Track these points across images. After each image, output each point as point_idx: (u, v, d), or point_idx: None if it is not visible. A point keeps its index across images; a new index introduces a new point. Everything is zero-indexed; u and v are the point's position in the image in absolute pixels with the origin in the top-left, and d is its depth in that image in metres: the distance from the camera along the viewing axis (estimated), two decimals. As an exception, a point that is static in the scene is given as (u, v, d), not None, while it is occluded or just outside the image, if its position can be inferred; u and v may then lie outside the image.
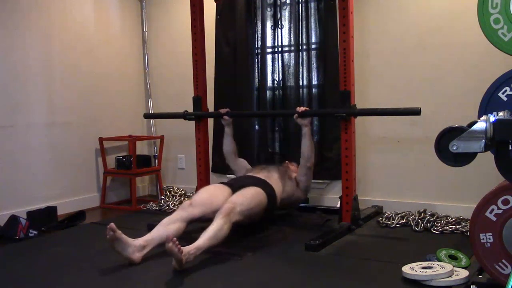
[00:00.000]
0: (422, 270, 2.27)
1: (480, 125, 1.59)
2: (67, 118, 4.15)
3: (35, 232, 3.33)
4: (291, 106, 3.92)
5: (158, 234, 2.71)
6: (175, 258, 2.40)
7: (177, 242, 2.36)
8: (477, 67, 3.32)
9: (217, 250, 2.72)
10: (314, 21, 3.89)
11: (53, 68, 4.05)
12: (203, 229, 2.67)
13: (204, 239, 2.57)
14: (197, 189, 3.54)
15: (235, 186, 3.12)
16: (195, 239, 2.57)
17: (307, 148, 3.36)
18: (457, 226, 3.14)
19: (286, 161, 3.64)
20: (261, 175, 3.30)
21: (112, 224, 2.49)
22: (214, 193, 3.04)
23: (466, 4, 3.28)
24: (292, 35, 3.97)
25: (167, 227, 2.76)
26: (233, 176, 3.71)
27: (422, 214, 3.34)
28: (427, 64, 3.54)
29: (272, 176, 3.32)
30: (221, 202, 2.86)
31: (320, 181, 3.92)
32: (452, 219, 3.25)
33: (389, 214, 3.44)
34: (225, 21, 4.23)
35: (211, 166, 4.15)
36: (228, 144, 3.71)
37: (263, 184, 3.15)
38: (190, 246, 2.49)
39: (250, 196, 2.97)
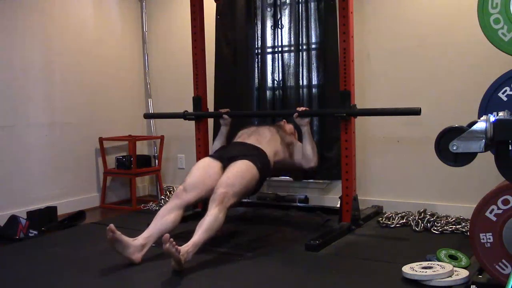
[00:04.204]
0: (422, 270, 2.27)
1: (480, 125, 1.59)
2: (67, 118, 4.15)
3: (35, 232, 3.33)
4: (291, 106, 3.91)
5: (156, 228, 2.70)
6: (174, 259, 2.40)
7: (174, 242, 2.35)
8: (477, 67, 3.32)
9: (217, 250, 2.73)
10: (314, 21, 3.88)
11: (53, 68, 4.05)
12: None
13: (200, 233, 2.55)
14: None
15: (224, 158, 3.06)
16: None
17: (309, 148, 3.34)
18: (457, 226, 3.14)
19: (284, 120, 3.58)
20: (252, 139, 3.24)
21: (112, 226, 2.49)
22: (206, 172, 2.97)
23: (466, 4, 3.28)
24: (292, 35, 3.97)
25: (164, 218, 2.74)
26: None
27: (422, 214, 3.35)
28: (427, 64, 3.54)
29: (263, 139, 3.25)
30: (215, 180, 2.84)
31: (320, 181, 3.92)
32: (452, 219, 3.26)
33: (389, 214, 3.44)
34: (225, 21, 4.22)
35: (211, 166, 4.14)
36: (219, 144, 3.62)
37: (254, 154, 3.07)
38: (187, 244, 2.47)
39: (241, 174, 2.89)
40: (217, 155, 3.16)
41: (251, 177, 2.95)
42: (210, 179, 2.89)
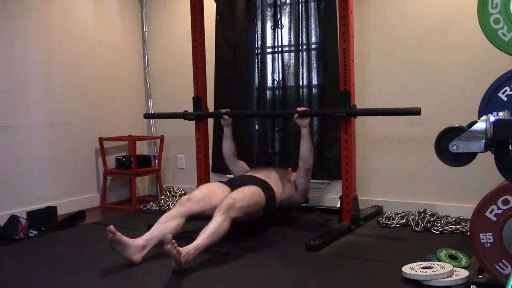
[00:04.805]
0: (422, 270, 2.27)
1: (480, 125, 1.59)
2: (67, 118, 4.15)
3: (35, 232, 3.33)
4: (291, 106, 3.91)
5: (157, 232, 2.71)
6: (174, 260, 2.41)
7: (175, 244, 2.36)
8: (477, 67, 3.32)
9: (217, 250, 2.73)
10: (314, 21, 3.89)
11: (53, 68, 4.05)
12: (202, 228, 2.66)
13: (203, 237, 2.57)
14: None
15: (233, 184, 3.12)
16: (195, 239, 2.57)
17: (306, 149, 3.35)
18: (457, 226, 3.14)
19: (290, 168, 3.62)
20: (261, 175, 3.29)
21: (111, 227, 2.49)
22: (213, 190, 3.04)
23: (466, 4, 3.28)
24: (292, 35, 3.96)
25: (166, 224, 2.76)
26: (232, 177, 3.70)
27: (422, 214, 3.34)
28: (427, 64, 3.54)
29: (271, 177, 3.31)
30: (220, 199, 2.85)
31: (320, 181, 3.92)
32: (452, 219, 3.25)
33: (389, 214, 3.44)
34: (225, 21, 4.22)
35: (211, 166, 4.14)
36: (228, 146, 3.68)
37: (262, 184, 3.14)
38: (189, 246, 2.49)
39: (249, 193, 2.96)
40: (226, 182, 3.25)
41: (258, 199, 3.01)
42: (216, 198, 2.92)
